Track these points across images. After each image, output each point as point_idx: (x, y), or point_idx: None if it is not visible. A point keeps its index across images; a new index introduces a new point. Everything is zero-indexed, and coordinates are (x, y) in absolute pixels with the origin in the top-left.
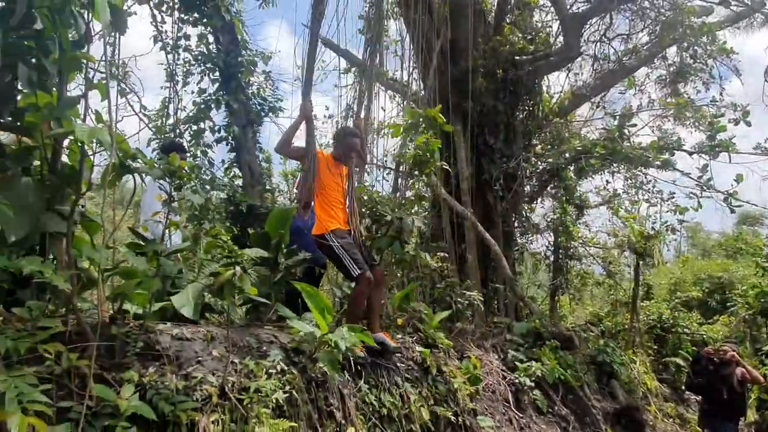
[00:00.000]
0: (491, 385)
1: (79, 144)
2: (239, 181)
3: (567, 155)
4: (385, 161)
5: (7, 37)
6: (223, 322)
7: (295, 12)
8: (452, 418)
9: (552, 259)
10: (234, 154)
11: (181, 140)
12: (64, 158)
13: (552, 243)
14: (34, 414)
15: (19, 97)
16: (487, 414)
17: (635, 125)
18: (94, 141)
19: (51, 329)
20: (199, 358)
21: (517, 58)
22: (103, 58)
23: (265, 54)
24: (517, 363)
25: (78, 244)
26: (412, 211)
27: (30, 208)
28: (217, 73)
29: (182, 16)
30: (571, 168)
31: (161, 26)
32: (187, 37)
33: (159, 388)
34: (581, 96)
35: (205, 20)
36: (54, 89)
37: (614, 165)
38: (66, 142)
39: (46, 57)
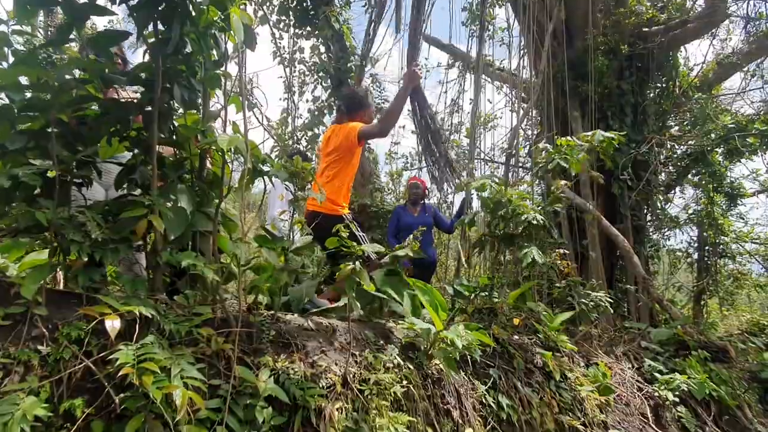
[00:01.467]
0: (624, 396)
1: (220, 153)
2: None
3: (713, 135)
4: (493, 155)
5: (165, 63)
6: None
7: (401, 11)
8: (580, 428)
9: (696, 257)
10: None
11: (298, 146)
12: (210, 167)
13: (696, 238)
14: (192, 389)
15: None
16: (621, 428)
17: None
18: (232, 149)
19: (203, 315)
20: (323, 349)
21: (646, 29)
22: (238, 75)
23: (372, 57)
24: (656, 374)
25: (221, 241)
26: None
27: (183, 210)
28: (329, 81)
29: (297, 31)
30: (719, 150)
31: (279, 42)
32: (301, 50)
33: (290, 374)
34: (730, 65)
35: (317, 32)
36: (200, 106)
37: None
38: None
39: (194, 77)
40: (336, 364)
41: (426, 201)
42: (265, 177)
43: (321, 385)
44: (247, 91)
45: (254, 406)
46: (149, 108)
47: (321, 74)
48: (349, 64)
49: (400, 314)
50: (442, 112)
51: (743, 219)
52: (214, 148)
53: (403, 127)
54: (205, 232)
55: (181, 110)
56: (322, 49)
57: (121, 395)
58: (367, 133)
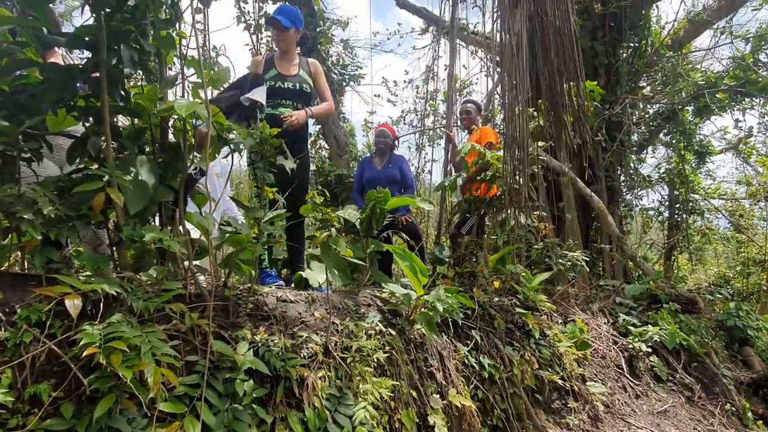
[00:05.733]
0: (600, 350)
1: (180, 120)
2: (326, 153)
3: (684, 94)
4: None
5: (110, 22)
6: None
7: None
8: (559, 382)
9: (667, 214)
10: (319, 126)
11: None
12: (172, 138)
13: (667, 197)
14: (166, 366)
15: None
16: (598, 380)
17: None
18: (193, 116)
19: (173, 291)
20: (303, 319)
21: None
22: (192, 33)
23: (341, 21)
24: (630, 327)
25: (189, 215)
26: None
27: (145, 183)
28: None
29: None
30: (690, 108)
31: (243, 7)
32: (267, 16)
33: (269, 346)
34: (701, 23)
35: None
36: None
37: (746, 100)
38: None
39: (145, 39)
40: (317, 334)
41: (395, 152)
42: (230, 145)
43: (302, 356)
44: (211, 58)
45: (234, 379)
46: (97, 73)
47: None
48: (318, 29)
49: (383, 282)
50: (417, 79)
51: (711, 176)
52: (174, 116)
53: (378, 95)
54: (171, 206)
55: (139, 79)
56: None
57: (91, 377)
58: None
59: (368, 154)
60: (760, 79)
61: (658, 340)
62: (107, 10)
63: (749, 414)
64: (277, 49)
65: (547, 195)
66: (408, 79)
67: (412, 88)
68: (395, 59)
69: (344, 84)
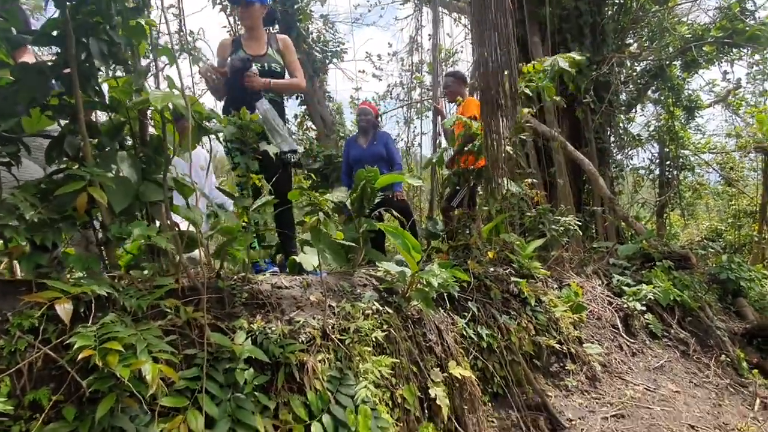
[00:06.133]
0: (596, 312)
1: (158, 112)
2: (313, 134)
3: (671, 49)
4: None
5: (76, 14)
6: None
7: None
8: (556, 346)
9: (657, 172)
10: (304, 107)
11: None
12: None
13: (657, 155)
14: (164, 362)
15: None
16: (594, 341)
17: None
18: (170, 107)
19: (166, 287)
20: (299, 304)
21: None
22: (160, 17)
23: None
24: (624, 287)
25: (176, 208)
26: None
27: (127, 180)
28: (277, 27)
29: None
30: (678, 63)
31: None
32: None
33: (267, 334)
34: None
35: None
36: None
37: (734, 50)
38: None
39: (114, 30)
40: (314, 318)
41: (378, 129)
42: (211, 136)
43: (300, 341)
44: (188, 43)
45: (234, 369)
46: (68, 70)
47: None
48: (296, 6)
49: (378, 260)
50: (401, 51)
51: (701, 131)
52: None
53: (363, 71)
54: (157, 201)
55: (115, 71)
56: None
57: (89, 378)
58: None
59: (353, 134)
60: (747, 28)
61: (652, 298)
62: (72, 2)
63: (744, 364)
64: (242, 27)
65: (538, 161)
66: (392, 52)
67: (397, 60)
68: (377, 32)
69: (327, 61)
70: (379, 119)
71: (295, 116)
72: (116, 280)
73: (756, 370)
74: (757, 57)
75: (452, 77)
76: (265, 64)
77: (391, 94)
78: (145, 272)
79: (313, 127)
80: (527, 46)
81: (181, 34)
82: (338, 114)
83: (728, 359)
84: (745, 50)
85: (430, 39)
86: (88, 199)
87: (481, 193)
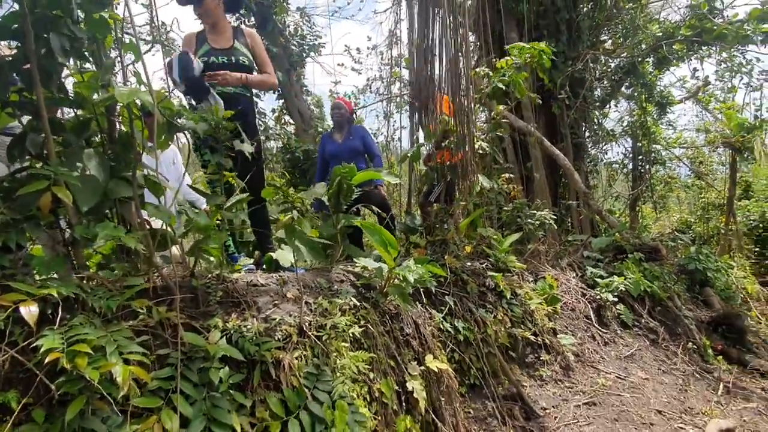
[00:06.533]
0: (570, 303)
1: (127, 109)
2: (291, 128)
3: (644, 46)
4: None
5: (33, 8)
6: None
7: None
8: (531, 338)
9: (631, 167)
10: (282, 101)
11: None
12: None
13: (630, 149)
14: (135, 363)
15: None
16: (568, 332)
17: None
18: (138, 103)
19: (137, 287)
20: (275, 302)
21: None
22: (125, 11)
23: None
24: (597, 279)
25: (147, 206)
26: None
27: (94, 178)
28: (253, 19)
29: None
30: (650, 60)
31: None
32: None
33: (243, 332)
34: None
35: None
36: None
37: (703, 48)
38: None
39: (76, 24)
40: (290, 315)
41: (353, 124)
42: (184, 132)
43: (277, 338)
44: (160, 36)
45: (208, 368)
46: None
47: (242, 11)
48: None
49: (356, 256)
50: (380, 45)
51: (672, 126)
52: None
53: (342, 64)
54: (126, 199)
55: (79, 66)
56: None
57: (58, 381)
58: None
59: (328, 131)
60: (715, 27)
61: (623, 289)
62: None
63: (709, 351)
64: (202, 23)
65: (516, 156)
66: (371, 46)
67: (377, 54)
68: (356, 26)
69: (304, 55)
70: (354, 115)
71: (273, 110)
72: (85, 281)
73: (720, 357)
74: (724, 55)
75: None
76: (232, 57)
77: (370, 88)
78: (115, 272)
79: (291, 121)
80: (504, 42)
81: (153, 26)
82: (318, 108)
83: (695, 346)
84: (714, 48)
85: (408, 32)
86: (53, 199)
87: (459, 187)
